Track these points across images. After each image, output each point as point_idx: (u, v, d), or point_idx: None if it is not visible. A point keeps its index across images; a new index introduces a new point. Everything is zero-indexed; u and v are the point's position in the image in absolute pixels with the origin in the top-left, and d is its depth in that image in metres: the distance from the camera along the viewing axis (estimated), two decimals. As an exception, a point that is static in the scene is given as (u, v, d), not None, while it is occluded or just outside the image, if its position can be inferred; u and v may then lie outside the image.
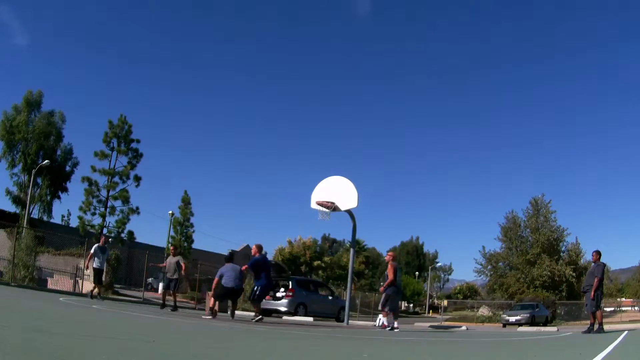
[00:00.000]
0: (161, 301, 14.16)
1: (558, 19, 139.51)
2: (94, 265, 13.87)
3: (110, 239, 32.83)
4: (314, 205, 15.17)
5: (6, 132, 34.33)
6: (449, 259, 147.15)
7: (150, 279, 30.91)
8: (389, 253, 12.70)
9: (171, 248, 14.86)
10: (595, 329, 11.26)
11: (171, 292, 13.29)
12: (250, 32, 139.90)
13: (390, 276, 11.48)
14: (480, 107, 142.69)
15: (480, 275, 41.36)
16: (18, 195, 35.23)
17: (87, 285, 22.14)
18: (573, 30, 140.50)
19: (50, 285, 20.46)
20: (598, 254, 11.57)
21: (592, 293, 10.77)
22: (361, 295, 42.61)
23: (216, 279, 11.31)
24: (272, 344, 5.73)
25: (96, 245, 14.16)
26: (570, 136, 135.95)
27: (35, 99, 35.96)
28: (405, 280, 68.10)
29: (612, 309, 45.18)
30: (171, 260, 13.60)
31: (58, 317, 6.74)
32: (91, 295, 14.03)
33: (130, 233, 32.29)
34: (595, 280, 10.80)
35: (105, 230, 32.28)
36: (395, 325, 11.63)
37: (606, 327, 22.16)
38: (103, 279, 14.75)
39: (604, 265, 11.44)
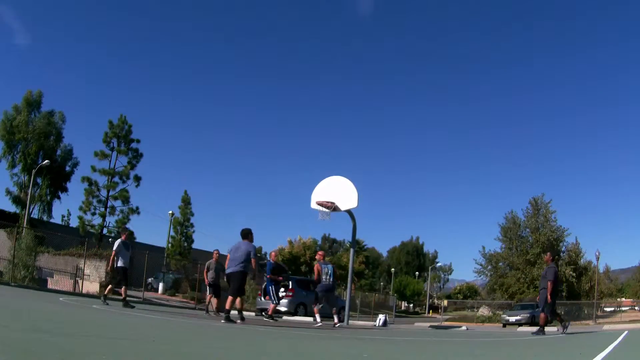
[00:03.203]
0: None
1: (558, 19, 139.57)
2: (119, 264, 12.05)
3: (110, 238, 32.89)
4: (314, 205, 15.18)
5: (6, 132, 34.34)
6: (449, 259, 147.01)
7: (150, 279, 30.91)
8: (319, 252, 12.85)
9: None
10: (536, 330, 11.30)
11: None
12: (251, 32, 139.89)
13: (315, 277, 11.98)
14: (480, 107, 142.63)
15: (480, 275, 41.33)
16: (18, 195, 35.24)
17: (87, 285, 22.16)
18: (573, 30, 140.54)
19: (50, 285, 20.43)
20: (551, 254, 11.66)
21: (549, 297, 10.80)
22: (361, 295, 42.64)
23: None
24: (272, 344, 5.73)
25: (119, 240, 12.34)
26: (570, 136, 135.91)
27: (35, 99, 35.98)
28: (405, 280, 68.21)
29: (612, 309, 45.17)
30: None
31: (58, 317, 6.74)
32: (125, 302, 12.07)
33: (130, 233, 32.23)
34: (549, 284, 10.79)
35: (105, 231, 32.34)
36: (335, 320, 11.95)
37: (606, 327, 22.16)
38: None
39: (556, 266, 11.34)
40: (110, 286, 12.98)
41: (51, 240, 27.34)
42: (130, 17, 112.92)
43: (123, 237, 12.59)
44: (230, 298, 9.50)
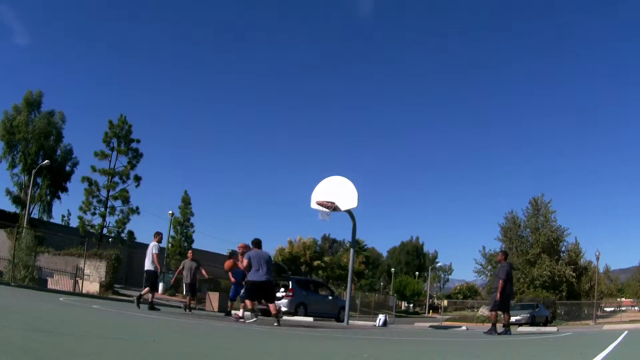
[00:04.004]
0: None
1: (558, 19, 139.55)
2: (151, 268, 12.46)
3: (109, 239, 32.86)
4: (314, 205, 15.18)
5: (6, 132, 34.31)
6: (449, 259, 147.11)
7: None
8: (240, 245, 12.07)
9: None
10: (488, 329, 11.33)
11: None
12: (251, 32, 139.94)
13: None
14: (480, 107, 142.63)
15: (480, 275, 41.38)
16: (18, 195, 35.22)
17: (87, 285, 22.15)
18: (573, 29, 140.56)
19: (50, 285, 20.41)
20: (503, 254, 11.62)
21: (498, 295, 10.85)
22: (361, 295, 42.64)
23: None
24: (272, 343, 5.73)
25: (157, 244, 12.78)
26: (570, 136, 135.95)
27: (35, 99, 35.94)
28: (405, 280, 68.15)
29: (612, 309, 45.22)
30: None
31: (58, 317, 6.74)
32: (151, 305, 12.53)
33: (130, 233, 32.31)
34: (500, 282, 10.87)
35: (105, 231, 32.33)
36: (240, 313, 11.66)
37: (606, 327, 22.12)
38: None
39: (509, 265, 11.33)
40: (146, 290, 12.70)
41: (51, 240, 27.29)
42: (130, 17, 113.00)
43: (155, 240, 12.61)
44: (273, 305, 10.22)
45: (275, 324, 9.80)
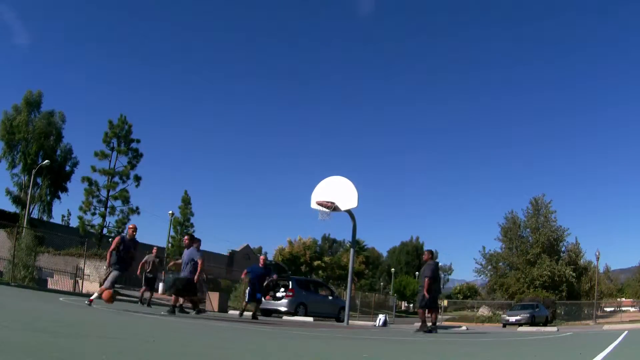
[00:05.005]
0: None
1: (559, 18, 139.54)
2: (188, 275, 11.27)
3: (109, 238, 32.83)
4: (314, 205, 15.18)
5: (6, 132, 34.35)
6: (449, 259, 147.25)
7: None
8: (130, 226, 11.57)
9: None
10: (421, 327, 11.40)
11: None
12: (250, 32, 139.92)
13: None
14: (480, 107, 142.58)
15: (480, 275, 41.41)
16: (18, 195, 35.24)
17: (87, 285, 22.15)
18: (573, 29, 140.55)
19: (50, 285, 20.41)
20: (429, 253, 11.75)
21: (425, 293, 10.99)
22: (361, 295, 42.66)
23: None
24: (272, 343, 5.74)
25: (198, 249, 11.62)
26: (570, 136, 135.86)
27: (35, 99, 35.99)
28: (405, 280, 68.19)
29: (612, 309, 45.23)
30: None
31: (58, 317, 6.74)
32: (198, 309, 11.95)
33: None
34: (425, 280, 11.05)
35: (105, 231, 32.36)
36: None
37: (606, 327, 22.09)
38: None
39: (435, 264, 11.49)
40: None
41: (51, 240, 27.32)
42: (130, 17, 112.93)
43: (195, 245, 11.31)
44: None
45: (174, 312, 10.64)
